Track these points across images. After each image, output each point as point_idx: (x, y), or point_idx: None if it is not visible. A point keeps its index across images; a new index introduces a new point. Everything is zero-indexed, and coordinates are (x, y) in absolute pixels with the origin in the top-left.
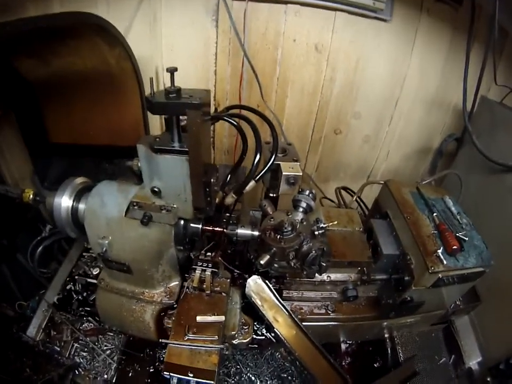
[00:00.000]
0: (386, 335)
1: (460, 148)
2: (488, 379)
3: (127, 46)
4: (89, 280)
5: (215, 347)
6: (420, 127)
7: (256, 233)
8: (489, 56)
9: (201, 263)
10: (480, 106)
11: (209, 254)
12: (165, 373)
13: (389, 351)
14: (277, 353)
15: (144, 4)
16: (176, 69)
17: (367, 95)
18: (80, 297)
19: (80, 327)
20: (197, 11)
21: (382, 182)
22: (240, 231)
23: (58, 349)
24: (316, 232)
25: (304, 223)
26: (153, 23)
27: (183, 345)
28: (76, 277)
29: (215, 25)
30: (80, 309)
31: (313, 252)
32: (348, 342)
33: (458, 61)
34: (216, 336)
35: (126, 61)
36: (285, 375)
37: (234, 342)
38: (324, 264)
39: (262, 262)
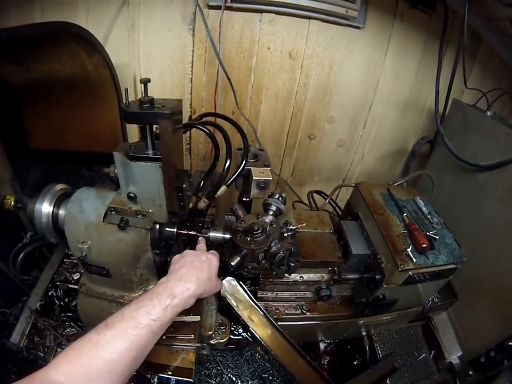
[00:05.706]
0: (364, 333)
1: (433, 150)
2: (470, 372)
3: (105, 54)
4: (70, 286)
5: (192, 345)
6: (394, 130)
7: (227, 236)
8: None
9: None
10: (452, 109)
11: None
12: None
13: (367, 349)
14: (257, 354)
15: (122, 12)
16: (149, 80)
17: (340, 100)
18: (62, 303)
19: (63, 333)
20: (175, 20)
21: (354, 185)
22: (212, 234)
23: (42, 355)
24: (285, 234)
25: (274, 225)
26: (131, 31)
27: (161, 344)
28: (58, 283)
29: (191, 33)
30: (63, 314)
31: (281, 252)
32: (326, 341)
33: (431, 65)
34: (193, 335)
35: (104, 68)
36: (266, 375)
37: (212, 342)
38: (292, 264)
39: (232, 263)
